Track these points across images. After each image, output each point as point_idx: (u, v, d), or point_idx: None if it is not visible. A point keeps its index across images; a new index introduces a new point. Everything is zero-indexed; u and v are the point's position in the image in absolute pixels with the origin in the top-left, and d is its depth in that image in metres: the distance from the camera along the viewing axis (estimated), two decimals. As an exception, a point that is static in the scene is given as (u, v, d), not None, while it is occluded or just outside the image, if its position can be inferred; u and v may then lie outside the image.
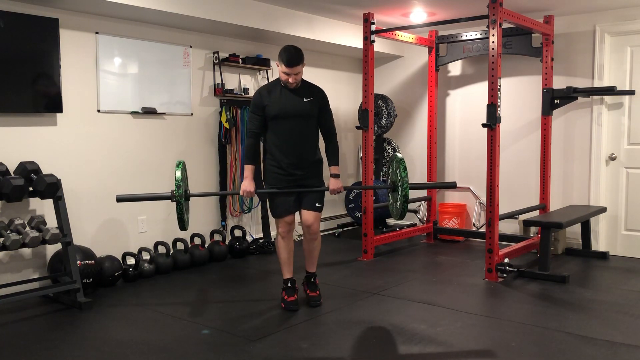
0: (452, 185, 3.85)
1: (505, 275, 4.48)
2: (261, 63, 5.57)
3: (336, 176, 3.73)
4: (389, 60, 6.82)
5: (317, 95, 3.72)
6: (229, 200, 5.50)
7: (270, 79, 5.76)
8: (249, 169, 3.66)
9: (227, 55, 5.35)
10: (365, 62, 5.11)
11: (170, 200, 3.39)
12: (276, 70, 5.81)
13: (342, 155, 6.86)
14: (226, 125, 5.31)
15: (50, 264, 4.16)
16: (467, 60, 6.14)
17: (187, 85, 5.13)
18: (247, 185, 3.63)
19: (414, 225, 6.36)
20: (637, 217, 5.27)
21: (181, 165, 3.40)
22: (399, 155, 3.49)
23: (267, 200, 3.80)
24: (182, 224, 3.41)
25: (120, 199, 3.43)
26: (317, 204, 3.75)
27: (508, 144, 5.84)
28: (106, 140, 4.56)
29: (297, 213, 3.78)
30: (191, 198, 3.59)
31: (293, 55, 3.56)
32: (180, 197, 3.32)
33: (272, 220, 5.48)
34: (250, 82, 5.64)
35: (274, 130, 3.68)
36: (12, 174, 3.83)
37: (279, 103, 3.63)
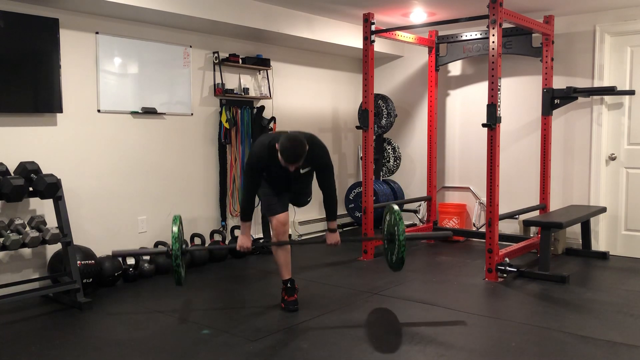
0: (448, 235, 3.99)
1: (505, 275, 4.48)
2: (261, 63, 5.57)
3: (333, 230, 3.75)
4: (389, 60, 6.82)
5: (315, 161, 3.59)
6: (229, 200, 5.49)
7: (270, 79, 5.77)
8: (245, 226, 3.67)
9: (227, 55, 5.35)
10: (365, 62, 5.11)
11: (165, 256, 3.41)
12: (276, 71, 5.85)
13: (342, 156, 6.86)
14: (226, 125, 5.31)
15: (50, 264, 4.16)
16: (467, 60, 6.14)
17: (187, 85, 5.13)
18: (245, 241, 3.66)
19: (414, 225, 6.35)
20: (637, 217, 5.26)
21: (178, 220, 3.45)
22: (395, 206, 3.58)
23: (262, 199, 3.80)
24: (179, 279, 3.50)
25: (116, 255, 3.62)
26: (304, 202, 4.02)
27: (508, 144, 5.84)
28: (106, 140, 4.56)
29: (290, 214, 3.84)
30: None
31: (291, 157, 3.32)
32: (177, 257, 3.37)
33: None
34: (250, 82, 5.64)
35: (269, 182, 3.73)
36: (12, 174, 3.83)
37: (276, 174, 3.60)
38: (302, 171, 3.61)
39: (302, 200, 4.01)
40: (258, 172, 3.58)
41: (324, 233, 6.46)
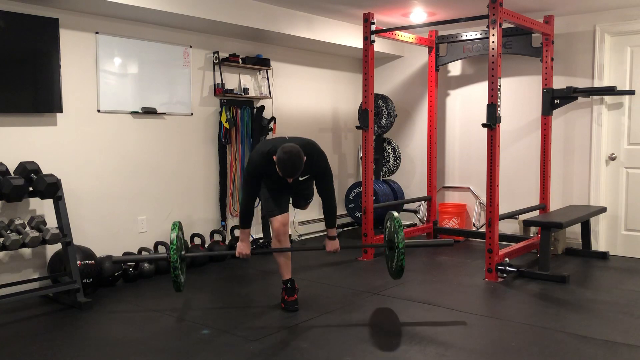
0: (449, 243, 3.79)
1: (505, 275, 4.48)
2: (261, 63, 5.57)
3: (333, 238, 3.75)
4: (389, 60, 6.82)
5: (313, 168, 3.56)
6: (229, 200, 5.49)
7: (270, 79, 5.77)
8: (244, 233, 3.69)
9: (227, 55, 5.35)
10: (365, 62, 5.11)
11: (166, 261, 3.39)
12: (276, 71, 5.85)
13: (342, 156, 6.86)
14: (226, 125, 5.31)
15: (50, 264, 4.15)
16: (467, 60, 6.14)
17: (187, 85, 5.13)
18: (244, 248, 3.68)
19: (414, 225, 6.35)
20: (637, 217, 5.26)
21: (177, 227, 3.45)
22: (395, 213, 3.57)
23: (262, 201, 3.80)
24: (177, 286, 3.48)
25: (116, 261, 3.59)
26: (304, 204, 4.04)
27: (508, 144, 5.84)
28: (106, 140, 4.56)
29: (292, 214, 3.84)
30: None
31: (288, 171, 3.32)
32: (176, 261, 3.34)
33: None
34: (250, 82, 5.64)
35: (269, 185, 3.71)
36: (12, 174, 3.83)
37: (274, 182, 3.59)
38: (301, 179, 3.61)
39: (302, 202, 4.03)
40: (256, 179, 3.58)
41: (324, 233, 6.49)
